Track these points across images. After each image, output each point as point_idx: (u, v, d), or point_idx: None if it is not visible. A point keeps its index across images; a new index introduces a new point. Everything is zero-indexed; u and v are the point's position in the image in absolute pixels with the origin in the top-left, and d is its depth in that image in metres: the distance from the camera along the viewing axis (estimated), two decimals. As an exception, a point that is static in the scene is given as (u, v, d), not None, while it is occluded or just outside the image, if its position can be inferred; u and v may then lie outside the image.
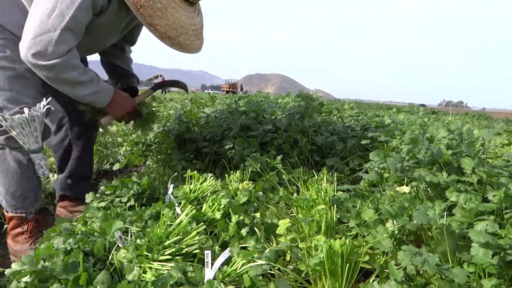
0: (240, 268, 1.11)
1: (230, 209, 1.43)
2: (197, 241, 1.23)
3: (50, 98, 1.57)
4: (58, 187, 2.00)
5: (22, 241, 1.58)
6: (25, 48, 1.37)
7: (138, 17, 1.44)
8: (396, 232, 1.24)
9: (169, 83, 2.31)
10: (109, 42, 1.82)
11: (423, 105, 42.75)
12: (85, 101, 1.61)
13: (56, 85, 1.49)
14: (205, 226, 1.33)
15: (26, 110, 1.47)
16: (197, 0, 1.63)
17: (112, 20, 1.57)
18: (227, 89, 50.91)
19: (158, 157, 2.70)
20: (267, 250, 1.20)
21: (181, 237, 1.21)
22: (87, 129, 2.00)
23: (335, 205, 1.51)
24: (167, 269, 1.04)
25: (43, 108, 1.51)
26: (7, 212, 1.62)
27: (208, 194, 1.58)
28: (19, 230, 1.61)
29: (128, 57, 2.12)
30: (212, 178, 1.73)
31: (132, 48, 2.15)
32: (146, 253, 1.11)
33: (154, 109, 2.05)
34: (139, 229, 1.29)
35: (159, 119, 2.35)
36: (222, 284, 1.01)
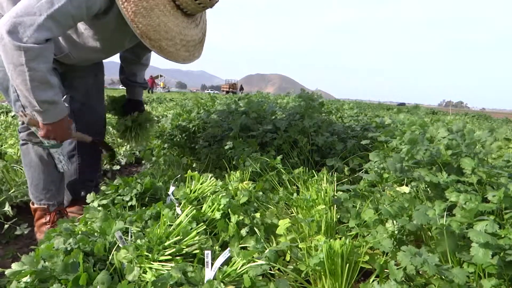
0: (240, 268, 1.11)
1: (230, 209, 1.43)
2: (197, 241, 1.23)
3: (65, 97, 1.60)
4: (67, 192, 2.04)
5: (46, 231, 1.65)
6: (3, 23, 1.28)
7: (122, 11, 1.41)
8: (396, 232, 1.24)
9: (103, 146, 2.20)
10: (120, 47, 1.84)
11: (403, 104, 43.36)
12: (37, 106, 1.40)
13: (17, 74, 1.32)
14: (205, 226, 1.33)
15: None
16: (192, 12, 1.58)
17: (116, 25, 1.56)
18: (227, 89, 50.93)
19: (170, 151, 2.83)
20: (267, 250, 1.20)
21: (181, 237, 1.22)
22: (94, 134, 2.03)
23: (335, 205, 1.51)
24: (167, 269, 1.04)
25: None
26: (33, 204, 1.76)
27: (208, 194, 1.58)
28: (42, 220, 1.74)
29: (143, 65, 2.14)
30: (212, 178, 1.73)
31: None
32: (146, 253, 1.11)
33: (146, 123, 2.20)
34: (139, 229, 1.29)
35: (149, 133, 2.30)
36: (222, 284, 1.01)
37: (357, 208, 1.44)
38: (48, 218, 1.74)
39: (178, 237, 1.20)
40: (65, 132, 1.58)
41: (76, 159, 2.03)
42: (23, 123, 1.63)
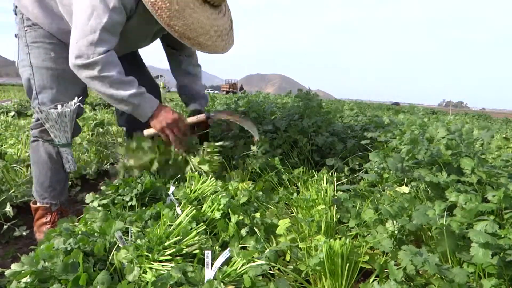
0: (240, 268, 1.11)
1: (230, 209, 1.43)
2: (197, 241, 1.23)
3: (81, 98, 1.72)
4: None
5: (46, 231, 1.68)
6: (71, 53, 1.52)
7: (157, 18, 1.53)
8: (396, 232, 1.24)
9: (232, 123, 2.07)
10: (141, 44, 1.95)
11: (397, 103, 43.39)
12: (129, 106, 1.61)
13: (100, 85, 1.55)
14: (205, 226, 1.33)
15: (59, 106, 1.65)
16: (219, 2, 1.67)
17: (140, 23, 1.68)
18: (227, 89, 50.93)
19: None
20: (267, 250, 1.20)
21: (181, 237, 1.21)
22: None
23: (335, 205, 1.51)
24: (167, 269, 1.04)
25: (74, 106, 1.67)
26: (34, 204, 1.79)
27: (208, 194, 1.58)
28: (43, 220, 1.76)
29: (189, 72, 2.13)
30: (212, 178, 1.73)
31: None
32: (146, 254, 1.11)
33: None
34: (139, 229, 1.29)
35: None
36: (222, 284, 1.01)
37: (357, 208, 1.44)
38: (49, 218, 1.76)
39: (178, 237, 1.20)
40: (174, 115, 1.69)
41: None
42: (37, 120, 1.70)
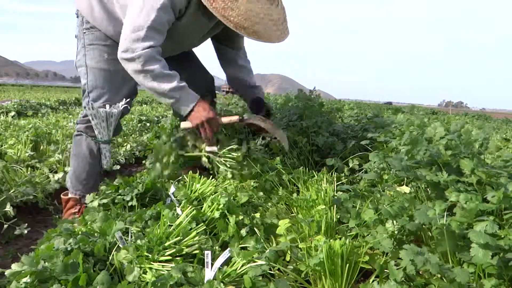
0: (240, 269, 1.11)
1: (229, 209, 1.42)
2: (197, 241, 1.23)
3: (128, 100, 1.83)
4: None
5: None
6: (119, 47, 1.61)
7: (212, 11, 1.58)
8: (396, 232, 1.24)
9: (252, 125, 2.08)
10: (193, 44, 2.03)
11: (390, 103, 43.35)
12: (171, 99, 1.68)
13: (143, 79, 1.63)
14: (205, 227, 1.33)
15: (107, 106, 1.77)
16: None
17: (191, 22, 1.74)
18: (227, 89, 50.87)
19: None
20: (267, 250, 1.20)
21: (181, 237, 1.21)
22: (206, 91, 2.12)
23: (335, 205, 1.51)
24: (167, 270, 1.04)
25: (121, 107, 1.79)
26: (66, 195, 1.90)
27: (208, 195, 1.58)
28: (72, 210, 1.87)
29: (244, 66, 2.19)
30: (212, 179, 1.73)
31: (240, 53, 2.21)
32: (146, 254, 1.11)
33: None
34: (139, 229, 1.28)
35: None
36: (222, 284, 1.01)
37: (357, 208, 1.44)
38: (78, 208, 1.86)
39: (178, 238, 1.20)
40: (211, 113, 1.74)
41: None
42: (84, 115, 1.80)
